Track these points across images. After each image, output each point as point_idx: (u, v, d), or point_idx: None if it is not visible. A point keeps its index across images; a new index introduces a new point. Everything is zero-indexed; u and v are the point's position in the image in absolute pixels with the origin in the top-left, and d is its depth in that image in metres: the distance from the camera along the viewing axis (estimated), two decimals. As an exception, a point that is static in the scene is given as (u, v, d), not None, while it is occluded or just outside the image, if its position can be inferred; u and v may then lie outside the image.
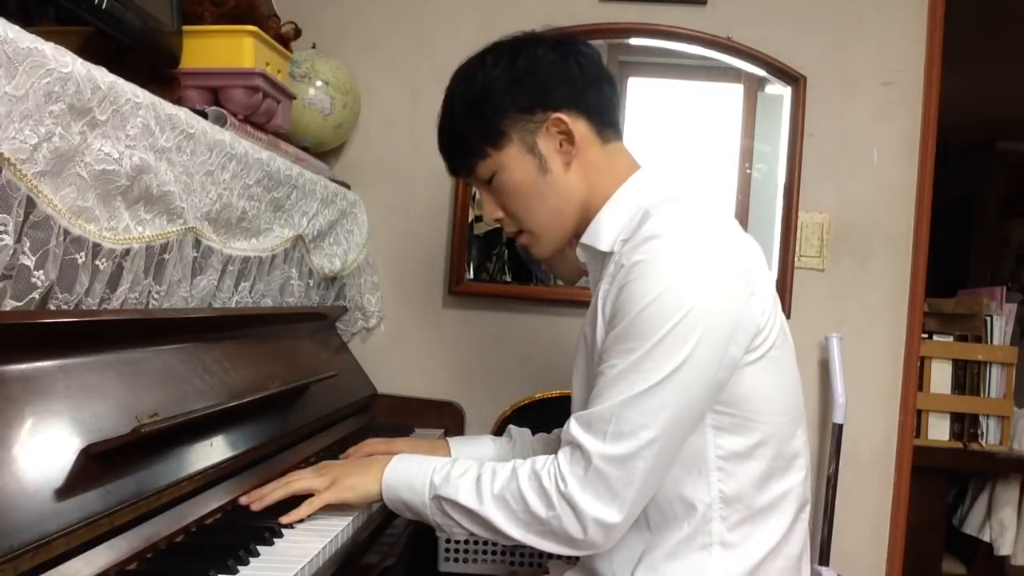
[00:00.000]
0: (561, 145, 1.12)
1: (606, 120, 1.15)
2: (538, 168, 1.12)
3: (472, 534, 1.06)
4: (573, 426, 1.02)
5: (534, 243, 1.19)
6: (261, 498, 1.08)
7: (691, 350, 0.97)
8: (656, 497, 1.04)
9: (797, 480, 1.09)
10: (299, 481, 1.11)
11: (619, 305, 1.01)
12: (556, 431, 1.42)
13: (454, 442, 1.38)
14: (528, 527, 1.02)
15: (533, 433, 1.42)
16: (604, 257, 1.13)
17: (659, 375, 0.97)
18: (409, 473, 1.09)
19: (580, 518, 0.98)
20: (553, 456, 1.03)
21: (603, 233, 1.12)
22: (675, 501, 1.05)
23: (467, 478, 1.05)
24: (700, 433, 1.03)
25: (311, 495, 1.09)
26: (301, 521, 1.06)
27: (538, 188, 1.13)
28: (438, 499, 1.06)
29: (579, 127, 1.12)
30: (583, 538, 0.99)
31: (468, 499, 1.03)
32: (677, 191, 1.12)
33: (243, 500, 1.09)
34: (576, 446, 1.00)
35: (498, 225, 1.21)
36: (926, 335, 2.46)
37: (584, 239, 1.15)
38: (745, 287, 1.03)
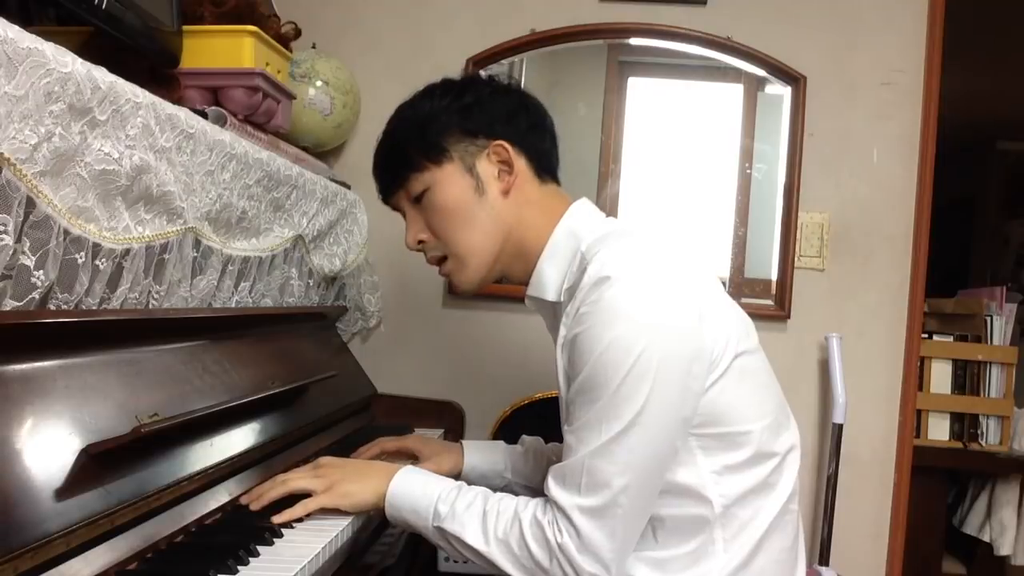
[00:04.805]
0: (499, 174, 1.12)
1: (543, 166, 1.16)
2: (474, 189, 1.12)
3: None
4: (549, 481, 1.02)
5: (459, 269, 1.16)
6: (259, 497, 1.09)
7: (648, 392, 0.96)
8: (665, 523, 1.04)
9: (791, 476, 1.09)
10: (296, 480, 1.11)
11: (575, 358, 1.01)
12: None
13: (468, 447, 1.39)
14: (532, 574, 1.01)
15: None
16: (553, 307, 1.14)
17: (622, 423, 0.96)
18: (414, 495, 1.08)
19: (577, 572, 0.97)
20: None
21: (547, 284, 1.13)
22: (684, 522, 1.04)
23: (472, 513, 1.04)
24: (690, 462, 1.03)
25: (308, 495, 1.09)
26: (300, 520, 1.06)
27: (472, 209, 1.12)
28: (442, 531, 1.05)
29: (519, 162, 1.13)
30: None
31: (475, 539, 1.03)
32: (607, 225, 1.12)
33: (244, 500, 1.09)
34: (553, 502, 1.00)
35: (418, 250, 1.19)
36: (926, 335, 2.46)
37: (530, 291, 1.16)
38: (694, 316, 1.01)
